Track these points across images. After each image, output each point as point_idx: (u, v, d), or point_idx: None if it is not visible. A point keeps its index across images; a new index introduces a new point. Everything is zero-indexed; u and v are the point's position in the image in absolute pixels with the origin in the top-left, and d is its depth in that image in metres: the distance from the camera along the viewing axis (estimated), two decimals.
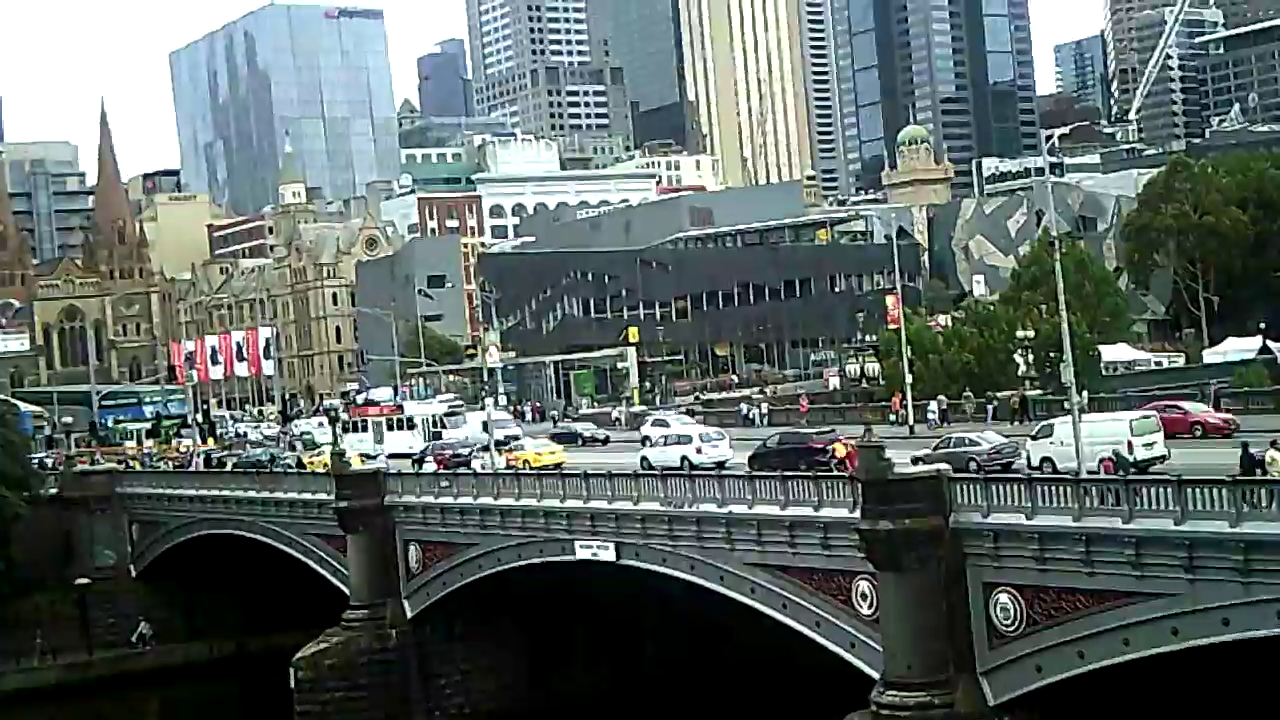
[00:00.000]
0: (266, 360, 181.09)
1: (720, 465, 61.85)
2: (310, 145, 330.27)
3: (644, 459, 66.71)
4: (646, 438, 76.89)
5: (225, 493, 72.94)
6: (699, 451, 65.40)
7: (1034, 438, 56.09)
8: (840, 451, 57.95)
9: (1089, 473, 44.47)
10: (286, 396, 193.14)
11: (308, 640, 60.25)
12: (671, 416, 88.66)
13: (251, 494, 70.61)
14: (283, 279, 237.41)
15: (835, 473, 49.60)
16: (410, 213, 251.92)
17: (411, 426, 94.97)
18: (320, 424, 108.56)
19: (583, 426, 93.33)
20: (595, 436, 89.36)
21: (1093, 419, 55.55)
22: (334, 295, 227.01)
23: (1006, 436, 59.67)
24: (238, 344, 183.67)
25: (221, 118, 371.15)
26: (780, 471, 48.82)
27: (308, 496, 65.98)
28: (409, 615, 59.50)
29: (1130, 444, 51.22)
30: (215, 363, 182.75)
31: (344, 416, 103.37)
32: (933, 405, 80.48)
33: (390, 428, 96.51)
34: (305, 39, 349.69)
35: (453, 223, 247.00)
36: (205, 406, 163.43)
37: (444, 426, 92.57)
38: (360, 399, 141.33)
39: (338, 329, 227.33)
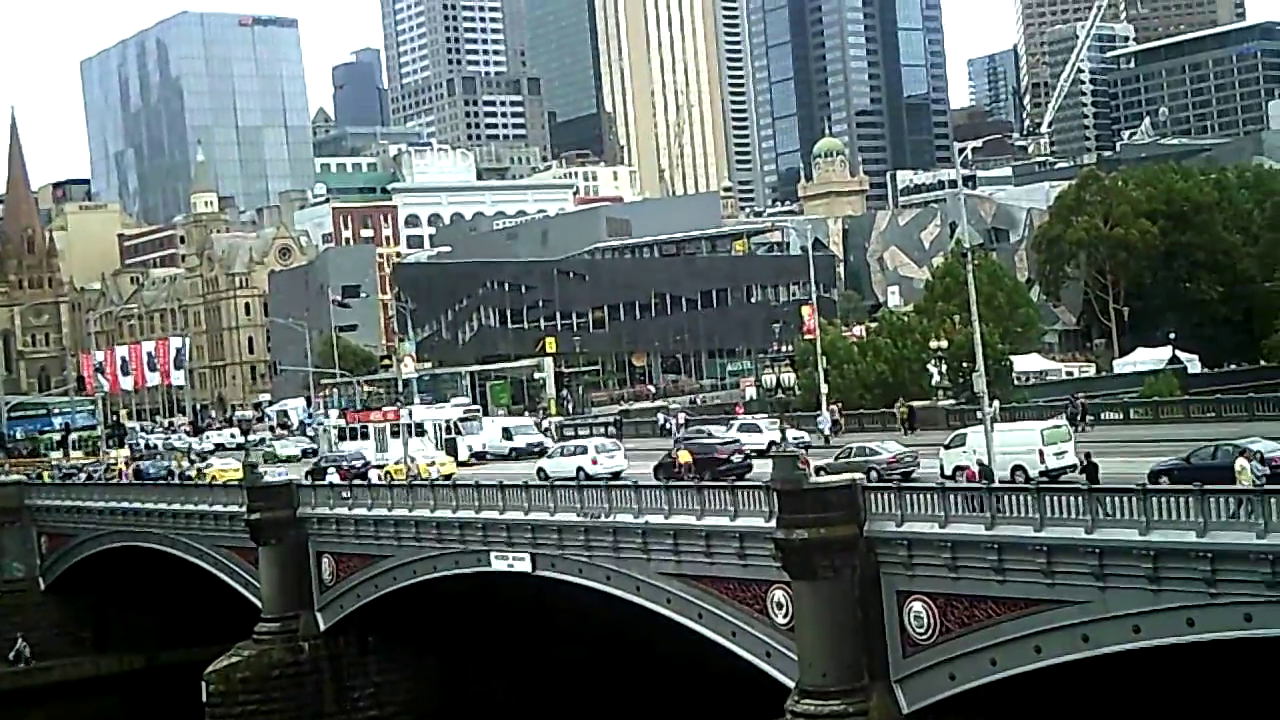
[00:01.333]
0: (177, 371, 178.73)
1: (615, 476, 62.30)
2: (223, 154, 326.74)
3: (540, 470, 67.22)
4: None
5: (136, 505, 71.90)
6: (594, 462, 66.41)
7: (947, 446, 56.67)
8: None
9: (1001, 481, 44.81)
10: (198, 407, 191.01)
11: (220, 653, 59.49)
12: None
13: (162, 506, 69.64)
14: (194, 289, 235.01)
15: (686, 481, 50.98)
16: (324, 222, 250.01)
17: (422, 433, 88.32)
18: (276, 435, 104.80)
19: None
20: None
21: (1005, 428, 56.21)
22: (246, 305, 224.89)
23: (906, 446, 60.41)
24: (148, 354, 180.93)
25: (133, 126, 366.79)
26: (685, 481, 49.26)
27: (219, 509, 65.26)
28: (322, 627, 58.88)
29: (1042, 453, 51.83)
30: (126, 373, 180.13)
31: (340, 423, 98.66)
32: (824, 415, 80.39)
33: (395, 434, 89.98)
34: (218, 47, 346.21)
35: (368, 232, 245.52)
36: (115, 417, 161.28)
37: (459, 433, 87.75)
38: (272, 411, 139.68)
39: (250, 339, 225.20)
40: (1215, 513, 34.10)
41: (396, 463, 75.96)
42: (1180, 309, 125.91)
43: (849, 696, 39.60)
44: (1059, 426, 57.17)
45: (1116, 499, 36.22)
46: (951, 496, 39.76)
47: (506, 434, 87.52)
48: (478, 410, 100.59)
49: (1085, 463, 47.80)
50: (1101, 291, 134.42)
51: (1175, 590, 34.27)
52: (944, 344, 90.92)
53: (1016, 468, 50.46)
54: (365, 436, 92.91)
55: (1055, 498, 37.50)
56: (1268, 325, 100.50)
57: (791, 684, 41.03)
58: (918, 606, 39.15)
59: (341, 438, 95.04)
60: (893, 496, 40.77)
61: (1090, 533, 35.88)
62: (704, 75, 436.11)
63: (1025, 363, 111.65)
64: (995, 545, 37.47)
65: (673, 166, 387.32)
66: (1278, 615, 32.73)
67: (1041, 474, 49.91)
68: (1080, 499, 36.69)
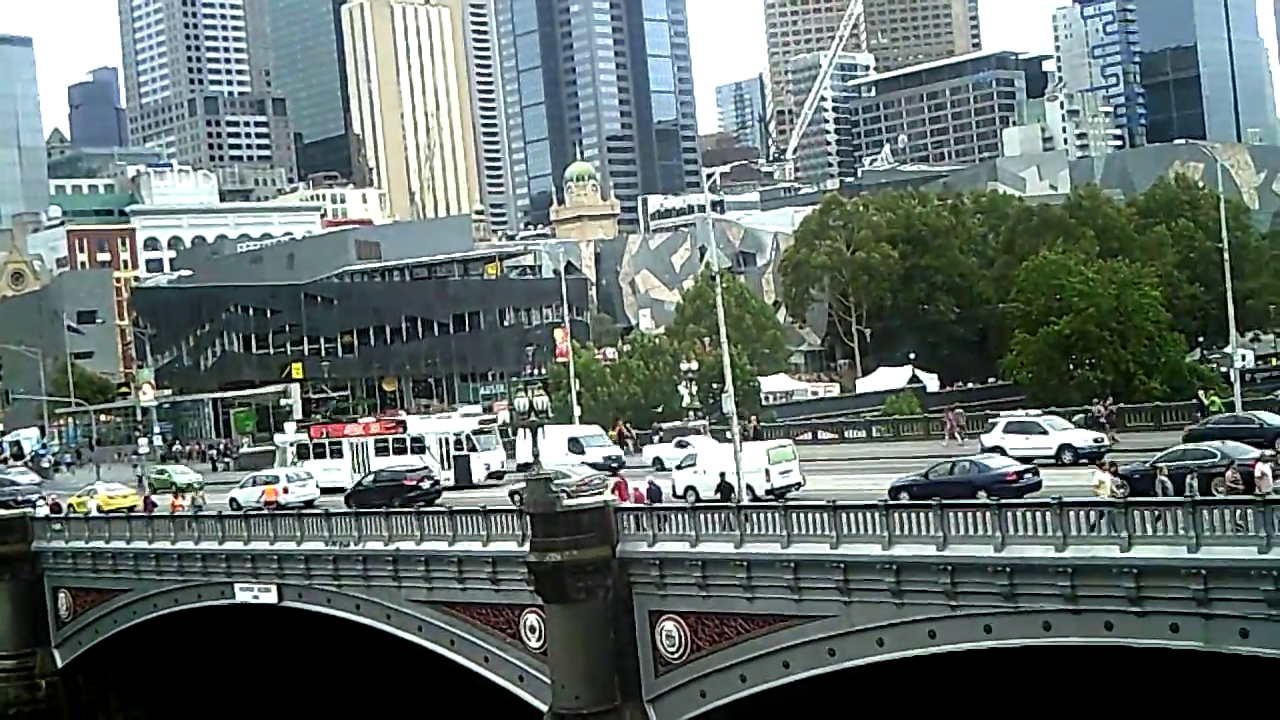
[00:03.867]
0: None
1: (309, 504, 62.32)
2: None
3: (232, 500, 66.65)
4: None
5: None
6: (285, 491, 66.41)
7: (679, 467, 57.60)
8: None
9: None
10: None
11: None
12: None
13: None
14: None
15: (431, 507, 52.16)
16: (59, 245, 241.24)
17: (420, 449, 74.46)
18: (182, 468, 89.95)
19: None
20: None
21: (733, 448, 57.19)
22: None
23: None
24: None
25: None
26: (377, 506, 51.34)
27: None
28: (59, 664, 56.89)
29: (768, 471, 52.98)
30: None
31: (300, 439, 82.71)
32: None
33: (383, 452, 75.83)
34: None
35: (105, 256, 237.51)
36: None
37: (473, 448, 74.16)
38: (4, 441, 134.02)
39: None
40: (954, 527, 35.05)
41: (86, 495, 73.57)
42: (919, 330, 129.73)
43: (601, 718, 39.61)
44: (784, 446, 58.70)
45: (860, 515, 36.96)
46: (702, 516, 40.12)
47: (575, 446, 73.37)
48: (495, 420, 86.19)
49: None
50: (845, 313, 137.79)
51: (917, 604, 35.08)
52: (694, 365, 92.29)
53: (745, 486, 51.38)
54: (337, 455, 77.56)
55: (800, 515, 38.12)
56: (1001, 345, 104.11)
57: (545, 708, 40.88)
58: (669, 626, 39.37)
59: (303, 457, 79.37)
60: (645, 517, 40.97)
61: (835, 548, 36.52)
62: (455, 98, 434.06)
63: (773, 383, 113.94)
64: (744, 563, 37.91)
65: (423, 189, 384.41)
66: (1015, 626, 33.77)
67: (768, 492, 51.15)
68: (825, 516, 37.33)
